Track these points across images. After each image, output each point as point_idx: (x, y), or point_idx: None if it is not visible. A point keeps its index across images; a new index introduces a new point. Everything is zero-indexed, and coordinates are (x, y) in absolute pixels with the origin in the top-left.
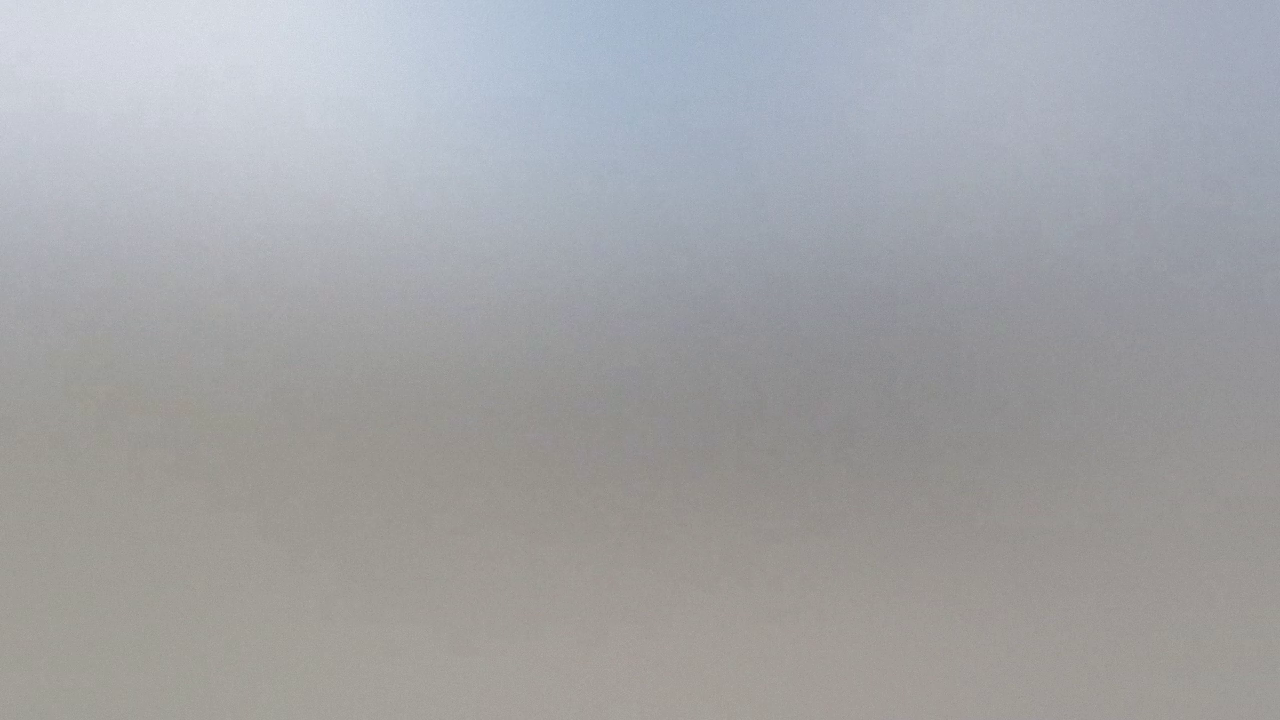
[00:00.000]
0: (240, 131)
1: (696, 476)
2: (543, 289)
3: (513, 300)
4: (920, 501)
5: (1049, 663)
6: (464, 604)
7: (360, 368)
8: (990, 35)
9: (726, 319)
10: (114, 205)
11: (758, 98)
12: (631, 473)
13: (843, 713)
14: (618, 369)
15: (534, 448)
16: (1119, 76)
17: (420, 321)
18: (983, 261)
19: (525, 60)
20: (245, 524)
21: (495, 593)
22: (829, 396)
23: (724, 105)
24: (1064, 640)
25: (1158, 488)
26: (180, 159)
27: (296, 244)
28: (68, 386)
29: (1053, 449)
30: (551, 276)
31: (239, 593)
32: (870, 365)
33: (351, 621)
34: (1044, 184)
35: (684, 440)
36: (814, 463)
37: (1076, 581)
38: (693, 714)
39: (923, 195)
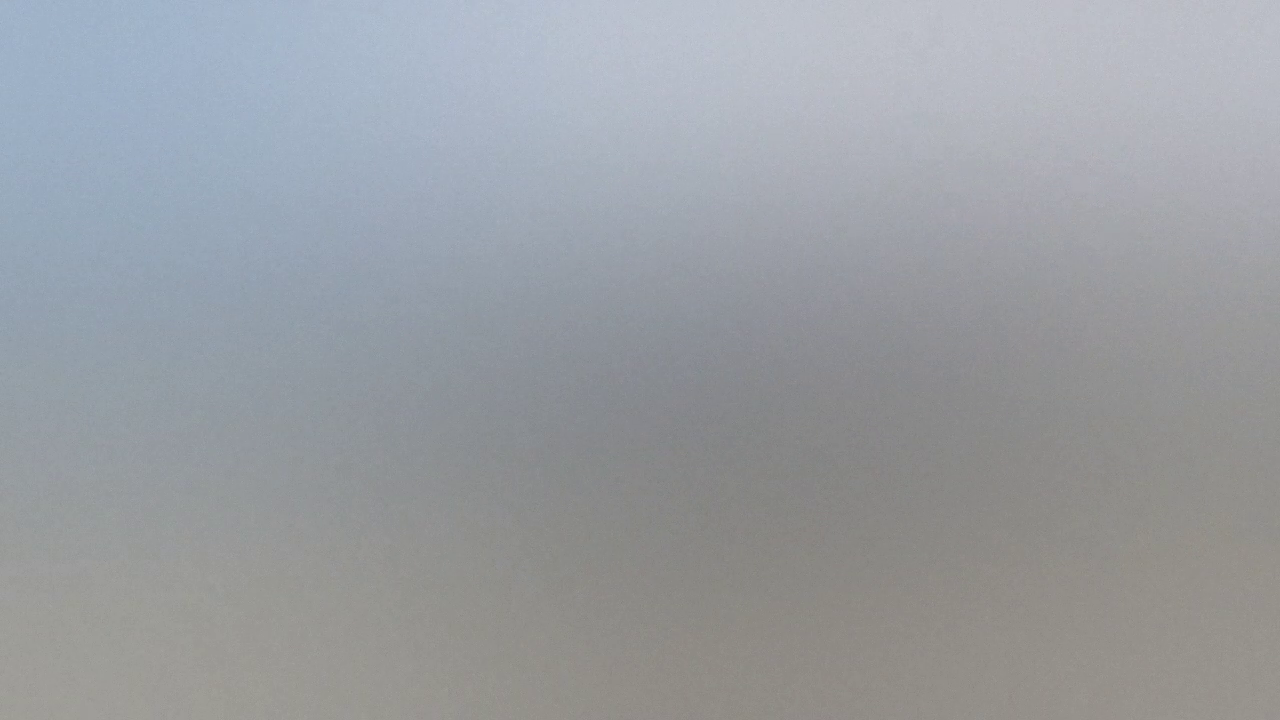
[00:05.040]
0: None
1: (696, 474)
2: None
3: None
4: (922, 509)
5: (1048, 668)
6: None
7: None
8: (984, 34)
9: (723, 320)
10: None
11: (753, 99)
12: (626, 476)
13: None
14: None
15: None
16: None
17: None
18: (979, 263)
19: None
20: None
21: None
22: (825, 402)
23: (722, 105)
24: (1062, 649)
25: (1155, 494)
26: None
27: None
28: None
29: (1052, 454)
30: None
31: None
32: (872, 368)
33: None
34: (1043, 188)
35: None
36: (812, 469)
37: (1072, 589)
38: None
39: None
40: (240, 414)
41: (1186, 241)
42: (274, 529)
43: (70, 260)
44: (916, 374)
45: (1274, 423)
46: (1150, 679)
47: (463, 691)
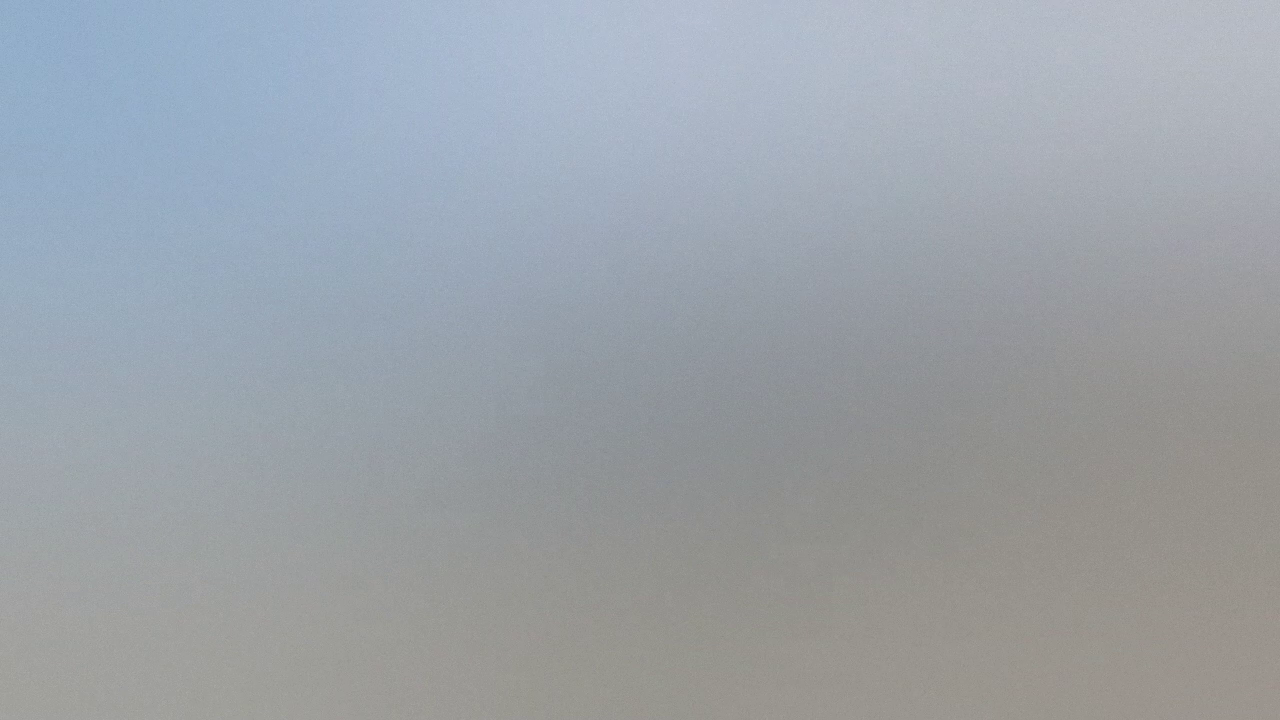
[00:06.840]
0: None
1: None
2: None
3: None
4: (922, 504)
5: (1046, 664)
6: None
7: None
8: (987, 35)
9: (725, 318)
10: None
11: (753, 97)
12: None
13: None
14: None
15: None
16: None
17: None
18: (978, 263)
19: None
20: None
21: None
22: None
23: (722, 105)
24: (1059, 645)
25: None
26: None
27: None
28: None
29: (1048, 450)
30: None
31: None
32: (871, 366)
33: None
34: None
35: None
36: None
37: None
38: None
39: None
40: (240, 415)
41: (1186, 240)
42: (273, 529)
43: (71, 259)
44: (915, 374)
45: (1274, 422)
46: (1150, 679)
47: (462, 692)
